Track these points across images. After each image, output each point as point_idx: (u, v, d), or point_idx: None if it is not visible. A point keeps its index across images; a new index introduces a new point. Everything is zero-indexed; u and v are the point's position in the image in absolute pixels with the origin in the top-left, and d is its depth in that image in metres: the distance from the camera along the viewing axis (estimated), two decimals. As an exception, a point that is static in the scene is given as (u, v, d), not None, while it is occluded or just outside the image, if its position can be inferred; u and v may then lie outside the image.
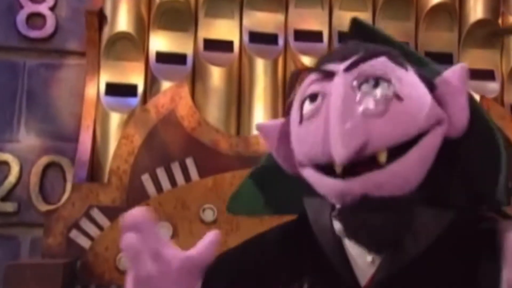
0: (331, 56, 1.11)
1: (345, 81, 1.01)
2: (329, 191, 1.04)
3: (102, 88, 2.93)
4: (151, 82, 2.95)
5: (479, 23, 3.20)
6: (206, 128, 2.81)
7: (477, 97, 3.00)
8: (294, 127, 1.08)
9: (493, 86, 3.18)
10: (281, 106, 3.00)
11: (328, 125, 0.99)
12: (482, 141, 1.08)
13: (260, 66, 3.00)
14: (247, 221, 2.69)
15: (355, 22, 1.23)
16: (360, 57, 1.03)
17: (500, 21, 3.25)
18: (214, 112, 2.91)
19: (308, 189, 1.10)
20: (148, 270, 1.01)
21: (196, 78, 2.95)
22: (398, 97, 0.99)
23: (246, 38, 3.04)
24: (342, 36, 3.10)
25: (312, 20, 3.11)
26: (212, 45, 3.02)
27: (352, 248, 1.06)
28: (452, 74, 1.06)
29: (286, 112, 1.13)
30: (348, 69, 1.02)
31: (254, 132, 2.94)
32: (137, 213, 1.03)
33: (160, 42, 3.01)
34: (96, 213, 2.65)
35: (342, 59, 1.05)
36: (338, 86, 1.00)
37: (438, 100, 1.04)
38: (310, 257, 1.11)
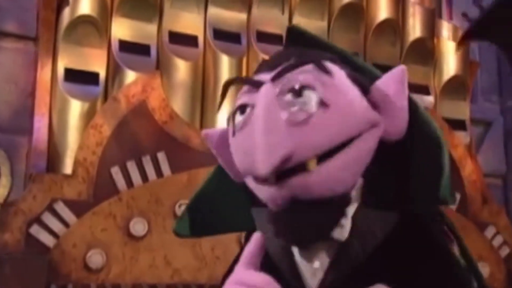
0: (263, 65, 1.09)
1: (270, 91, 0.99)
2: (264, 197, 1.05)
3: (60, 73, 2.70)
4: (114, 71, 2.78)
5: (417, 41, 3.46)
6: (178, 122, 2.72)
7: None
8: (230, 138, 1.08)
9: (428, 100, 3.45)
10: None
11: (252, 140, 0.98)
12: (424, 142, 1.05)
13: (225, 63, 2.97)
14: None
15: (291, 30, 1.22)
16: (287, 66, 1.01)
17: (435, 40, 3.54)
18: (179, 106, 2.81)
19: (253, 200, 1.12)
20: None
21: (161, 70, 2.82)
22: (324, 104, 0.97)
23: (210, 34, 2.99)
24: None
25: (273, 23, 3.15)
26: (177, 38, 2.93)
27: (298, 255, 1.07)
28: (391, 76, 1.06)
29: (227, 123, 1.11)
30: (274, 78, 1.00)
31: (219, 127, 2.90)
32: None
33: (123, 30, 2.85)
34: (60, 207, 2.43)
35: (272, 68, 1.03)
36: (262, 96, 0.98)
37: (375, 102, 1.03)
38: (265, 268, 1.06)
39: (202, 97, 2.94)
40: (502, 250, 3.21)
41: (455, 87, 3.53)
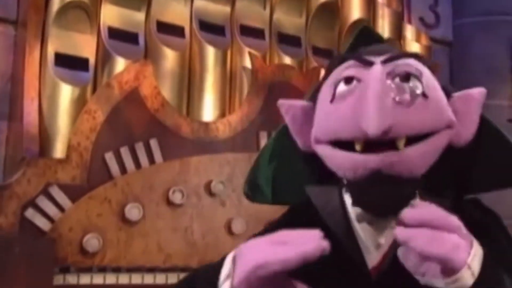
0: (367, 50, 1.22)
1: (382, 71, 1.12)
2: (343, 162, 1.13)
3: (50, 58, 2.68)
4: (104, 58, 2.79)
5: (386, 41, 3.63)
6: (169, 110, 2.76)
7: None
8: (324, 104, 1.17)
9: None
10: (229, 93, 3.07)
11: (362, 104, 1.08)
12: (495, 145, 1.23)
13: (211, 54, 3.03)
14: (211, 206, 2.73)
15: (365, 29, 1.41)
16: (395, 54, 1.18)
17: (401, 41, 3.74)
18: (166, 94, 2.84)
19: (310, 177, 1.26)
20: None
21: (149, 59, 2.85)
22: (424, 94, 1.10)
23: (196, 26, 3.05)
24: (281, 37, 3.29)
25: (255, 17, 3.24)
26: (165, 28, 2.97)
27: (362, 231, 1.17)
28: (474, 94, 1.21)
29: (312, 95, 1.24)
30: (385, 62, 1.13)
31: (204, 117, 2.97)
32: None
33: (112, 17, 2.86)
34: (55, 191, 2.43)
35: (378, 54, 1.16)
36: (377, 73, 1.11)
37: (452, 108, 1.16)
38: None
39: (189, 86, 2.99)
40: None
41: (419, 87, 3.74)
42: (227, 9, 3.16)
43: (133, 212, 2.50)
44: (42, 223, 2.38)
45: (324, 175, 1.22)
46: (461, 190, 1.25)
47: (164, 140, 2.68)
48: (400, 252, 1.01)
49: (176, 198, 2.59)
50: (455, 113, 1.16)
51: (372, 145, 1.08)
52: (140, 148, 2.63)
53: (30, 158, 2.45)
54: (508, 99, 4.37)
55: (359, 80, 1.12)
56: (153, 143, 2.66)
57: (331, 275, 1.15)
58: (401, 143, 1.08)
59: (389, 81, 1.10)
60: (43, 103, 2.65)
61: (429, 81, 1.14)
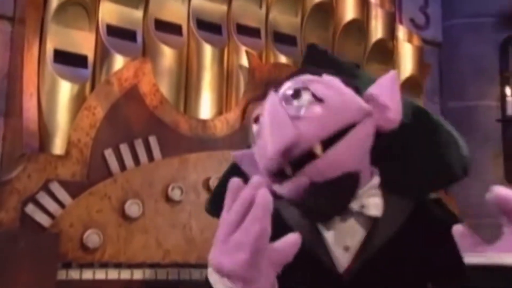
0: (278, 82, 1.31)
1: (274, 97, 1.20)
2: (288, 194, 1.21)
3: (50, 54, 2.68)
4: (102, 55, 2.80)
5: (379, 42, 3.69)
6: (168, 107, 2.78)
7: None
8: (254, 149, 1.27)
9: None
10: (225, 91, 3.10)
11: (263, 137, 1.17)
12: (426, 132, 1.31)
13: (208, 52, 3.05)
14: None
15: (311, 48, 1.55)
16: (286, 77, 1.29)
17: (394, 42, 3.80)
18: (164, 91, 2.86)
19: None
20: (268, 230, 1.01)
21: (147, 57, 2.87)
22: (318, 99, 1.18)
23: (194, 24, 3.07)
24: (277, 36, 3.33)
25: (252, 16, 3.27)
26: (163, 26, 2.98)
27: (329, 236, 1.24)
28: (384, 79, 1.29)
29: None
30: (275, 89, 1.24)
31: (202, 114, 2.99)
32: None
33: (110, 15, 2.87)
34: (56, 187, 2.43)
35: (280, 83, 1.27)
36: (268, 102, 1.19)
37: (369, 98, 1.25)
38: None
39: (186, 84, 3.01)
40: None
41: (411, 87, 3.80)
42: (223, 8, 3.18)
43: (133, 208, 2.52)
44: (42, 219, 2.38)
45: None
46: (420, 188, 1.30)
47: (162, 137, 2.70)
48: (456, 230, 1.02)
49: (175, 194, 2.61)
50: (373, 101, 1.23)
51: (299, 162, 1.16)
52: (139, 145, 2.65)
53: (30, 154, 2.45)
54: (496, 99, 4.44)
55: (262, 115, 1.19)
56: (152, 140, 2.67)
57: (304, 280, 1.22)
58: (317, 149, 1.15)
59: (281, 104, 1.17)
60: (42, 99, 2.66)
61: (322, 85, 1.21)
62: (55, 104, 2.66)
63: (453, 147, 1.31)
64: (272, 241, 1.10)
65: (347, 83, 1.25)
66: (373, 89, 1.26)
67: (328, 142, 1.16)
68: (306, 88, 1.18)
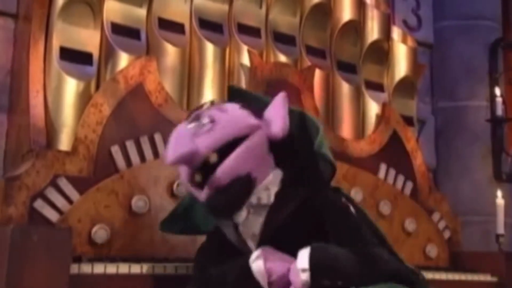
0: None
1: (180, 125, 1.73)
2: (203, 200, 1.74)
3: (56, 52, 2.71)
4: (107, 52, 2.83)
5: (375, 42, 3.76)
6: (173, 105, 2.82)
7: (378, 104, 3.55)
8: None
9: (383, 96, 3.76)
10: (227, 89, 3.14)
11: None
12: (305, 133, 1.81)
13: (210, 51, 3.10)
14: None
15: (231, 89, 2.18)
16: (194, 109, 1.85)
17: (389, 43, 3.87)
18: (167, 89, 2.88)
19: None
20: None
21: (152, 55, 2.90)
22: (212, 120, 1.61)
23: (196, 23, 3.11)
24: (276, 36, 3.38)
25: (252, 16, 3.31)
26: (166, 24, 3.02)
27: (241, 230, 1.74)
28: (275, 100, 1.76)
29: None
30: (187, 118, 1.75)
31: (204, 114, 3.03)
32: None
33: (115, 13, 2.90)
34: (64, 183, 2.46)
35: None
36: (177, 127, 1.74)
37: (262, 117, 1.72)
38: (224, 251, 1.80)
39: (189, 82, 3.05)
40: (445, 233, 3.58)
41: (405, 87, 3.88)
42: (225, 7, 3.23)
43: (139, 204, 2.55)
44: (51, 214, 2.41)
45: None
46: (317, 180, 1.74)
47: (167, 134, 2.70)
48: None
49: (180, 191, 2.65)
50: (262, 119, 1.67)
51: (206, 171, 1.62)
52: (145, 142, 2.68)
53: (39, 150, 2.48)
54: (486, 100, 4.55)
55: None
56: (157, 137, 2.71)
57: (234, 268, 1.69)
58: (212, 158, 1.58)
59: (186, 128, 1.63)
60: (48, 96, 2.67)
61: (217, 111, 1.67)
62: (61, 101, 2.68)
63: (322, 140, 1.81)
64: (215, 243, 1.84)
65: (243, 107, 1.67)
66: (269, 109, 1.68)
67: (225, 153, 1.58)
68: (204, 114, 1.60)
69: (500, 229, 3.49)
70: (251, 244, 1.67)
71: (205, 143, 1.55)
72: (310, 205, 1.64)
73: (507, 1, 4.93)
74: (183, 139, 1.58)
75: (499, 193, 3.62)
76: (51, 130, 2.64)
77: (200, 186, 1.65)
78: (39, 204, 2.40)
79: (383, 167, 3.42)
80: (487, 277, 3.28)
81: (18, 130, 2.78)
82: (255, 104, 1.77)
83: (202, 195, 1.66)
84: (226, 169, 1.57)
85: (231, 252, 1.75)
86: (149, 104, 2.75)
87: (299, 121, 1.76)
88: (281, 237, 1.62)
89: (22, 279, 1.97)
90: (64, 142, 2.64)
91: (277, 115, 1.64)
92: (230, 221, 1.71)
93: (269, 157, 1.66)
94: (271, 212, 1.63)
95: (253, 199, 1.63)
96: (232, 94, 2.01)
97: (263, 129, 1.61)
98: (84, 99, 2.70)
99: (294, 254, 1.58)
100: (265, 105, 1.77)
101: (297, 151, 1.72)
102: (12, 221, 2.34)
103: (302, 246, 1.57)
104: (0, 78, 3.01)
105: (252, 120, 1.62)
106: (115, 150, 2.61)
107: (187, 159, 1.56)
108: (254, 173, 1.60)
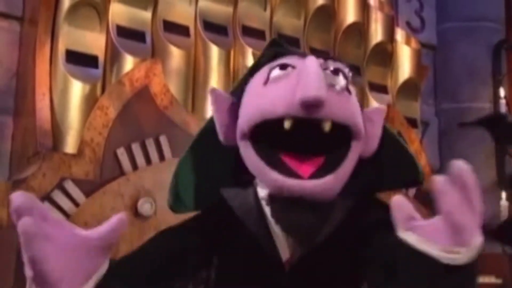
0: (292, 52, 1.36)
1: (317, 61, 1.22)
2: (268, 180, 1.23)
3: (62, 55, 2.72)
4: (112, 55, 2.84)
5: (379, 45, 3.77)
6: (178, 108, 2.83)
7: (381, 106, 3.56)
8: (255, 89, 1.27)
9: (387, 98, 3.77)
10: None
11: (301, 79, 1.18)
12: (394, 156, 1.36)
13: (215, 53, 3.11)
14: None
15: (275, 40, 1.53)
16: (325, 53, 1.44)
17: (393, 45, 3.88)
18: (172, 91, 2.89)
19: (229, 174, 1.34)
20: (44, 251, 1.04)
21: (157, 58, 2.91)
22: (348, 90, 1.25)
23: (201, 26, 3.12)
24: (281, 38, 3.38)
25: (256, 18, 3.32)
26: (171, 27, 3.03)
27: (276, 227, 1.25)
28: (377, 110, 1.37)
29: (236, 90, 1.35)
30: (317, 56, 1.26)
31: (209, 114, 3.03)
32: (25, 197, 1.08)
33: (120, 16, 2.91)
34: (70, 186, 2.47)
35: (303, 55, 1.30)
36: (312, 61, 1.22)
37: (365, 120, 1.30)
38: (225, 239, 1.29)
39: (193, 84, 3.06)
40: (448, 234, 3.59)
41: (409, 88, 3.89)
42: (229, 9, 3.24)
43: (145, 206, 2.56)
44: (58, 217, 2.41)
45: (243, 171, 1.30)
46: (366, 190, 1.35)
47: (173, 137, 2.75)
48: (395, 201, 1.05)
49: (186, 193, 2.65)
50: (365, 126, 1.27)
51: (300, 126, 1.17)
52: (150, 144, 2.69)
53: (45, 153, 2.49)
54: (489, 101, 4.55)
55: (293, 67, 1.23)
56: (163, 139, 2.72)
57: (248, 269, 1.26)
58: (326, 126, 1.19)
59: (322, 69, 1.20)
60: (55, 99, 2.69)
61: (351, 85, 1.27)
62: (67, 103, 2.69)
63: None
64: (222, 237, 1.25)
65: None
66: (369, 117, 1.30)
67: (334, 134, 1.19)
68: (345, 74, 1.24)
69: (504, 231, 3.49)
70: (284, 246, 1.25)
71: (334, 105, 1.17)
72: (361, 217, 1.29)
73: (510, 3, 4.93)
74: (322, 82, 1.15)
75: (503, 195, 3.63)
76: (57, 132, 2.65)
77: (283, 139, 1.20)
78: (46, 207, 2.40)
79: (387, 169, 3.42)
80: (491, 279, 3.29)
81: (24, 132, 2.79)
82: None
83: (273, 181, 1.21)
84: (340, 179, 1.23)
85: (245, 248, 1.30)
86: (154, 106, 2.76)
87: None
88: (323, 248, 1.24)
89: (29, 282, 1.98)
90: (70, 145, 2.65)
91: (377, 132, 1.31)
92: (258, 212, 1.27)
93: None
94: (320, 214, 1.24)
95: None
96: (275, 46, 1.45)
97: (362, 141, 1.27)
98: (90, 102, 2.71)
99: (333, 265, 1.27)
100: None
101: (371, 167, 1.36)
102: (19, 224, 2.35)
103: (341, 262, 1.26)
104: (6, 80, 3.02)
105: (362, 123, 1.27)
106: (121, 152, 2.62)
107: (316, 105, 1.14)
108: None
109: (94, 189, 2.52)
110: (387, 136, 1.35)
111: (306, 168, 1.20)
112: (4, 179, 2.76)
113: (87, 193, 2.50)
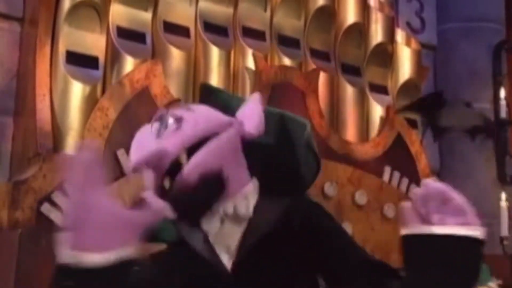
0: None
1: (144, 128, 1.41)
2: (169, 205, 1.34)
3: (62, 55, 2.72)
4: (113, 56, 2.84)
5: (379, 45, 3.77)
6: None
7: (382, 107, 3.56)
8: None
9: (387, 99, 3.78)
10: (232, 92, 3.15)
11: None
12: (287, 143, 1.50)
13: (215, 54, 3.11)
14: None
15: (203, 88, 1.77)
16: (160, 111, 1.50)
17: (394, 45, 3.88)
18: (172, 92, 2.90)
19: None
20: (80, 215, 1.15)
21: (157, 59, 2.91)
22: (178, 119, 1.35)
23: (201, 26, 3.12)
24: (281, 39, 3.39)
25: (256, 19, 3.33)
26: (171, 28, 3.04)
27: (212, 240, 1.39)
28: (249, 100, 1.51)
29: None
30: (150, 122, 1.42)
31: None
32: (91, 153, 1.22)
33: (120, 17, 2.91)
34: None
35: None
36: (142, 129, 1.41)
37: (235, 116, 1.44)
38: (182, 263, 1.40)
39: (194, 85, 3.06)
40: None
41: (409, 89, 3.89)
42: (230, 10, 3.24)
43: (145, 207, 2.56)
44: (58, 218, 2.42)
45: None
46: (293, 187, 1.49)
47: (173, 138, 2.74)
48: (404, 207, 1.22)
49: (186, 194, 2.66)
50: (235, 118, 1.42)
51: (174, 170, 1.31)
52: (150, 146, 2.69)
53: (46, 154, 2.49)
54: (490, 102, 4.55)
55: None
56: (163, 140, 2.71)
57: (198, 282, 1.39)
58: (183, 159, 1.31)
59: (150, 129, 1.37)
60: (55, 100, 2.69)
61: (183, 111, 1.38)
62: (67, 104, 2.70)
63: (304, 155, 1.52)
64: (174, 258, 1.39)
65: (214, 107, 1.44)
66: (239, 110, 1.46)
67: (191, 149, 1.33)
68: (168, 114, 1.36)
69: (504, 232, 3.50)
70: (224, 257, 1.38)
71: (173, 142, 1.32)
72: (293, 216, 1.42)
73: (510, 3, 4.93)
74: (147, 141, 1.34)
75: (503, 196, 3.63)
76: (57, 133, 2.65)
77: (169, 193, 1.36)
78: (46, 208, 2.42)
79: (387, 170, 3.43)
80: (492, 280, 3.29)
81: (24, 133, 2.79)
82: (230, 103, 1.55)
83: (167, 201, 1.36)
84: (193, 166, 1.32)
85: (193, 265, 1.42)
86: (154, 107, 2.75)
87: (279, 122, 1.51)
88: (261, 251, 1.37)
89: (30, 282, 1.99)
90: (71, 146, 2.65)
91: (251, 113, 1.44)
92: (199, 231, 1.40)
93: (242, 158, 1.44)
94: (251, 225, 1.39)
95: (229, 208, 1.38)
96: (204, 92, 1.71)
97: (235, 127, 1.41)
98: (90, 103, 2.72)
99: (273, 270, 1.39)
100: (236, 103, 1.56)
101: (276, 156, 1.49)
102: (19, 225, 2.35)
103: (284, 260, 1.39)
104: (6, 81, 3.02)
105: (223, 117, 1.42)
106: (121, 153, 2.62)
107: (153, 161, 1.31)
108: (226, 170, 1.36)
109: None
110: (276, 118, 1.49)
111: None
112: (5, 180, 2.76)
113: (88, 194, 2.50)
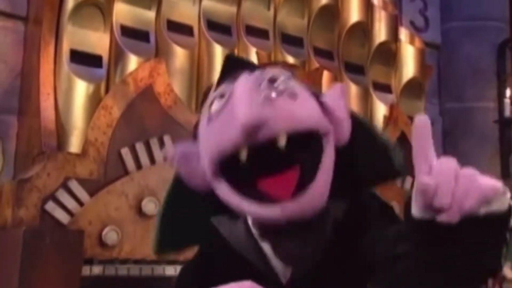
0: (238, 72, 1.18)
1: (248, 78, 1.09)
2: (249, 214, 1.13)
3: (66, 54, 2.72)
4: (116, 55, 2.84)
5: (383, 44, 3.77)
6: (181, 107, 2.83)
7: (386, 105, 3.56)
8: (202, 130, 1.13)
9: (390, 98, 3.77)
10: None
11: (234, 108, 1.04)
12: (370, 143, 1.21)
13: (219, 53, 3.11)
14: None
15: (230, 57, 1.39)
16: (258, 66, 1.25)
17: (397, 44, 3.87)
18: (176, 91, 2.90)
19: (219, 208, 1.18)
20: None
21: (161, 57, 2.91)
22: (292, 93, 1.08)
23: (204, 25, 3.12)
24: (284, 37, 3.39)
25: (260, 18, 3.32)
26: (175, 27, 3.03)
27: (268, 250, 1.17)
28: (333, 92, 1.18)
29: (194, 133, 1.20)
30: (250, 72, 1.11)
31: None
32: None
33: (124, 16, 2.91)
34: (74, 185, 2.48)
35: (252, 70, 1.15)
36: (239, 83, 1.08)
37: (327, 112, 1.14)
38: (222, 271, 1.18)
39: (197, 83, 3.06)
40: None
41: (413, 88, 3.88)
42: (233, 9, 3.24)
43: (149, 206, 2.57)
44: (62, 216, 2.43)
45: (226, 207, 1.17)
46: (353, 187, 1.21)
47: (177, 136, 2.75)
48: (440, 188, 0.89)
49: (190, 193, 2.66)
50: (330, 115, 1.14)
51: (257, 152, 1.05)
52: (154, 144, 2.70)
53: (50, 153, 2.50)
54: (494, 101, 4.54)
55: (230, 93, 1.09)
56: (167, 139, 2.72)
57: None
58: (281, 140, 1.05)
59: (255, 86, 1.08)
60: (59, 98, 2.70)
61: (296, 83, 1.12)
62: (71, 103, 2.70)
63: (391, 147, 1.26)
64: (211, 260, 1.18)
65: (312, 92, 1.15)
66: (331, 101, 1.16)
67: (294, 143, 1.06)
68: (283, 78, 1.10)
69: (508, 231, 3.48)
70: (280, 266, 1.17)
71: (280, 116, 1.04)
72: (353, 220, 1.17)
73: (514, 2, 4.93)
74: (257, 102, 1.04)
75: (507, 194, 3.62)
76: (61, 132, 2.66)
77: (232, 170, 1.08)
78: (50, 206, 2.42)
79: (391, 169, 3.42)
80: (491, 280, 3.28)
81: (29, 132, 2.80)
82: None
83: (275, 212, 1.07)
84: (324, 182, 1.08)
85: (234, 269, 1.18)
86: (158, 106, 2.76)
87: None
88: (320, 259, 1.15)
89: (34, 281, 2.00)
90: (75, 144, 2.66)
91: (342, 116, 1.15)
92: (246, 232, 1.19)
93: None
94: (312, 230, 1.14)
95: None
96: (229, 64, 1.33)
97: (331, 134, 1.13)
98: (94, 102, 2.72)
99: (336, 274, 1.15)
100: None
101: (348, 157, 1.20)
102: (23, 223, 2.36)
103: (346, 268, 1.15)
104: (10, 80, 3.03)
105: (326, 120, 1.13)
106: (125, 152, 2.63)
107: (254, 128, 1.02)
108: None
109: (99, 189, 2.53)
110: (356, 123, 1.20)
111: (284, 188, 1.08)
112: (9, 179, 2.78)
113: (92, 193, 2.51)
